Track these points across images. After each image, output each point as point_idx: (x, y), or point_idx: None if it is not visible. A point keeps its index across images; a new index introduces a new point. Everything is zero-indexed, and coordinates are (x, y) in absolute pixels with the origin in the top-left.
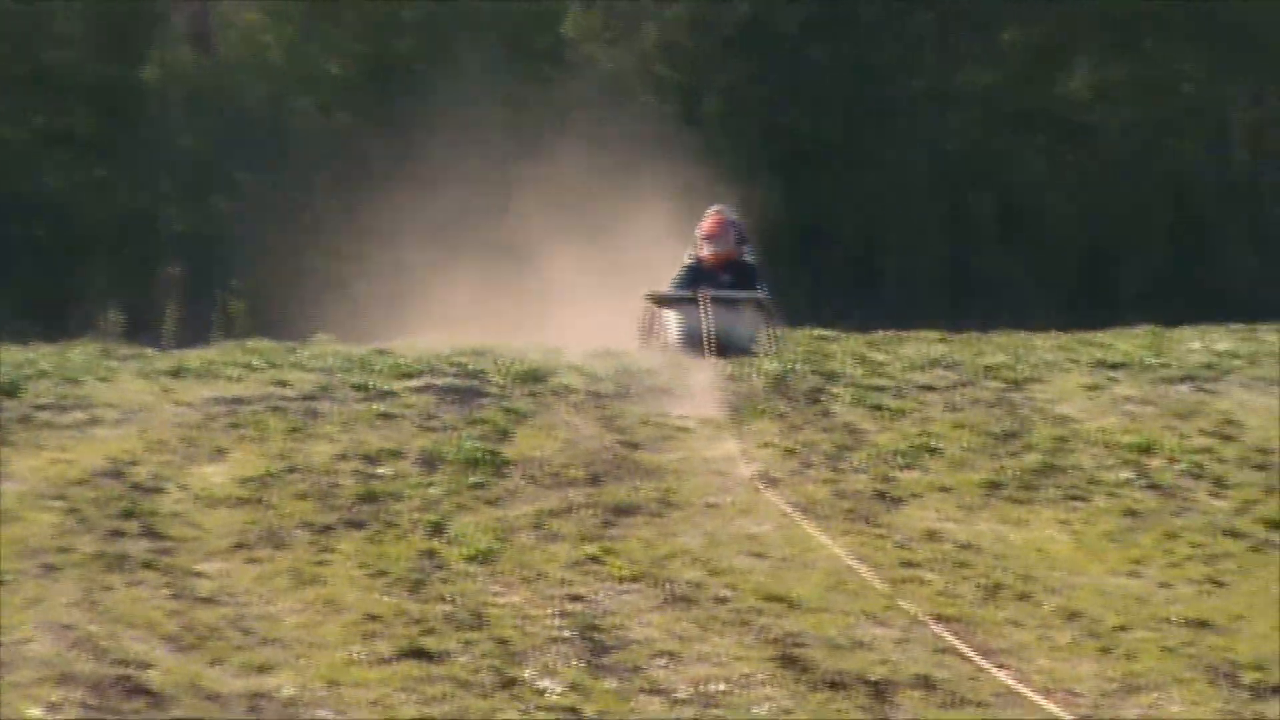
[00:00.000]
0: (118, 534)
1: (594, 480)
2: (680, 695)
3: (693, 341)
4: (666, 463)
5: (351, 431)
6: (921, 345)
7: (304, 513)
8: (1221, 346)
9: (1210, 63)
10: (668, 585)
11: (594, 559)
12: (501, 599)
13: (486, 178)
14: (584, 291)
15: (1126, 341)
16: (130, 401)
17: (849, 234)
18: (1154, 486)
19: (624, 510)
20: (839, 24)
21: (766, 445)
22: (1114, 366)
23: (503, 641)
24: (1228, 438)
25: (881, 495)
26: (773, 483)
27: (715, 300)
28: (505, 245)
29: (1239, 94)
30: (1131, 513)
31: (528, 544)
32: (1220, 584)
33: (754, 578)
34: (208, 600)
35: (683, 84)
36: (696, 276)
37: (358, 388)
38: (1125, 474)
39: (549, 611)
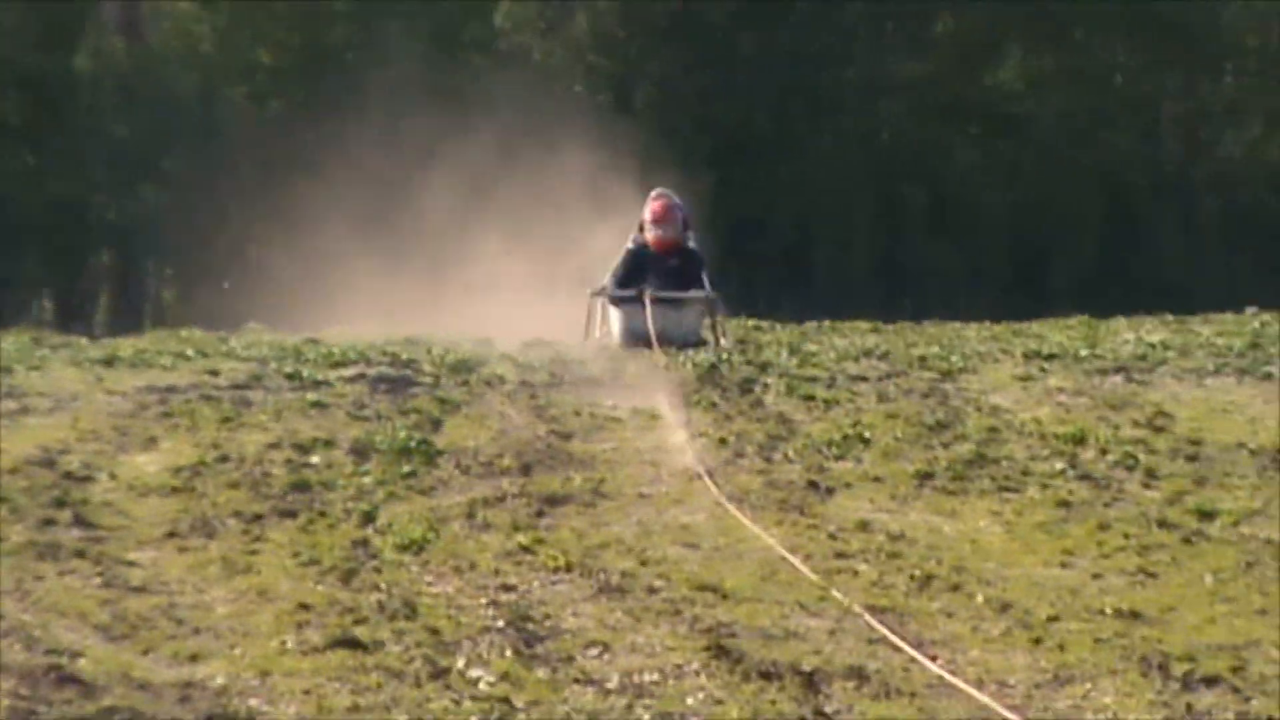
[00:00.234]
0: (49, 523)
1: (526, 470)
2: (612, 685)
3: (636, 339)
4: (599, 453)
5: (283, 421)
6: (854, 336)
7: (236, 502)
8: (1154, 338)
9: (1142, 54)
10: (600, 575)
11: (526, 549)
12: (433, 588)
13: (417, 167)
14: (515, 281)
15: (1059, 332)
16: (62, 390)
17: (781, 224)
18: (1086, 477)
19: (556, 500)
20: (770, 15)
21: (700, 435)
22: (1046, 357)
23: (434, 631)
24: (1159, 429)
25: (814, 486)
26: (707, 474)
27: (660, 299)
28: (436, 235)
29: (1170, 85)
30: (1063, 504)
31: (460, 534)
32: (1152, 575)
33: (686, 568)
34: (139, 589)
35: (615, 74)
36: (642, 263)
37: (290, 377)
38: (1057, 465)
39: (481, 601)
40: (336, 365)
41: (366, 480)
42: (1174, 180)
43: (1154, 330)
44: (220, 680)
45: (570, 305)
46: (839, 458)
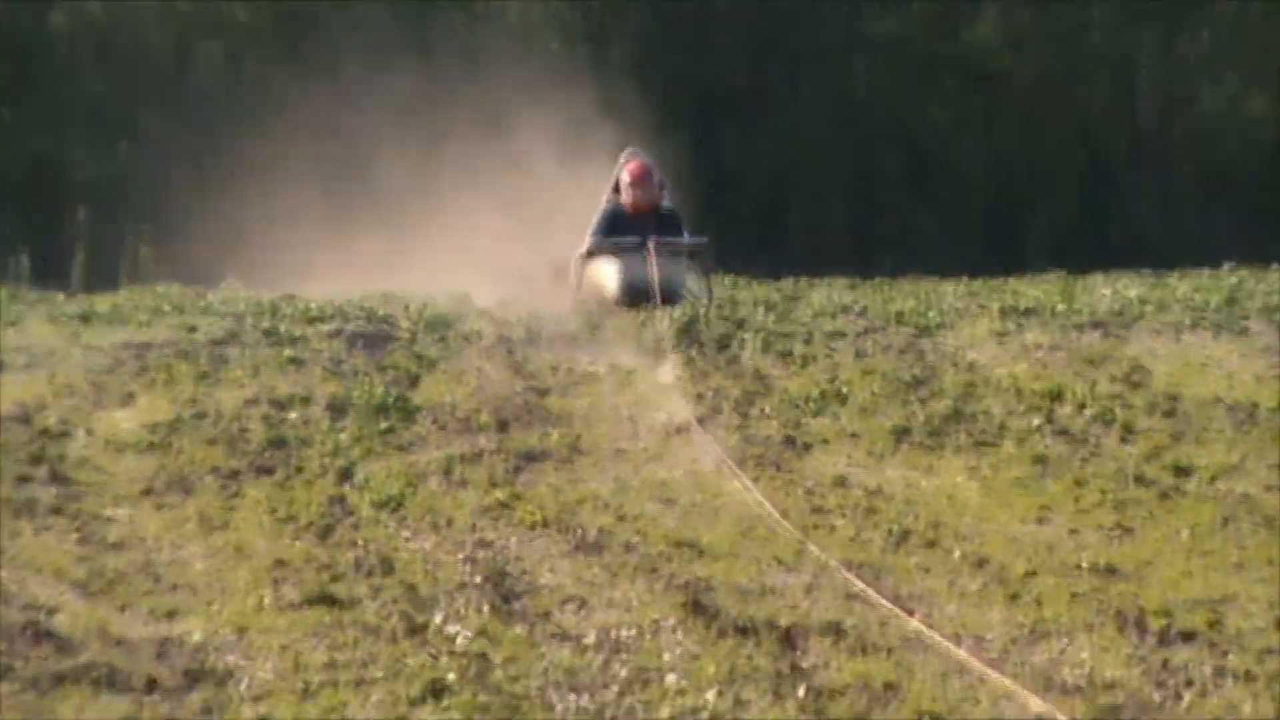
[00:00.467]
0: (25, 479)
1: (503, 426)
2: (588, 641)
3: (635, 292)
4: (576, 409)
5: (260, 377)
6: (831, 292)
7: (212, 458)
8: (1131, 293)
9: (1118, 10)
10: (577, 531)
11: (503, 505)
12: (410, 545)
13: (394, 124)
14: (492, 238)
15: (1036, 288)
16: (38, 346)
17: (757, 182)
18: (1063, 433)
19: (533, 456)
20: None
21: (679, 390)
22: (1023, 313)
23: (411, 587)
24: (1136, 384)
25: (791, 442)
26: (684, 429)
27: (659, 249)
28: (413, 191)
29: (1147, 42)
30: (1040, 459)
31: (436, 490)
32: (1129, 530)
33: (663, 524)
34: (116, 546)
35: (590, 32)
36: (620, 223)
37: (267, 333)
38: (1034, 420)
39: (458, 557)
40: (313, 321)
41: (343, 437)
42: (1151, 137)
43: (1130, 286)
44: (197, 636)
45: (543, 262)
46: (816, 414)
